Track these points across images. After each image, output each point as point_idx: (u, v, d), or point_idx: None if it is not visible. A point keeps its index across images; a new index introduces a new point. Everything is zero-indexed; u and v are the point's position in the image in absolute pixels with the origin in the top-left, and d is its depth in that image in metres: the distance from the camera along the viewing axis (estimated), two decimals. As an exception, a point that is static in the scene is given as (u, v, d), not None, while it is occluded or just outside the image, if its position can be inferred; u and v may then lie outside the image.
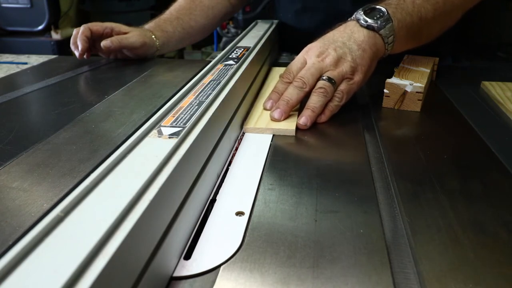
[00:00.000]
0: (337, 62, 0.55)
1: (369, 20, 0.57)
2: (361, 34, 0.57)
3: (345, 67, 0.55)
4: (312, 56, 0.56)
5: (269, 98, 0.56)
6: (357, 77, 0.55)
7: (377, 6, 0.58)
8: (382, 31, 0.57)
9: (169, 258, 0.28)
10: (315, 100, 0.53)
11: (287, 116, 0.53)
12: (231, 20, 2.10)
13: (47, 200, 0.35)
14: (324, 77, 0.54)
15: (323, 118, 0.54)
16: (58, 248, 0.20)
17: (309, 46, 0.58)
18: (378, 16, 0.57)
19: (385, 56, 0.60)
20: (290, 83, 0.55)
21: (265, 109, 0.56)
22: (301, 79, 0.54)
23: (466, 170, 0.42)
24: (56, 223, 0.22)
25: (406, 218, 0.34)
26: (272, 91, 0.57)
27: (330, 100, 0.54)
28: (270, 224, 0.33)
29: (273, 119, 0.52)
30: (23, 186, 0.37)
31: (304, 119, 0.52)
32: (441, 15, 0.63)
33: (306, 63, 0.56)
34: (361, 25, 0.57)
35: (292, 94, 0.54)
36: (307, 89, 0.54)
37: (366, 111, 0.58)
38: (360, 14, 0.58)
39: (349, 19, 0.60)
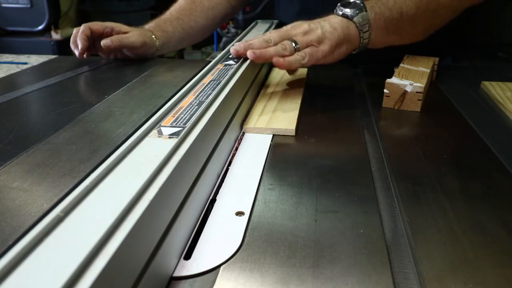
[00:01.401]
0: (307, 32, 0.60)
1: (344, 9, 0.63)
2: (336, 19, 0.62)
3: (312, 36, 0.60)
4: (288, 26, 0.62)
5: (238, 45, 0.60)
6: (323, 47, 0.60)
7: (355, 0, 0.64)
8: (355, 19, 0.62)
9: (169, 258, 0.28)
10: (270, 49, 0.58)
11: (239, 53, 0.59)
12: (231, 20, 2.10)
13: (47, 200, 0.35)
14: (289, 39, 0.60)
15: (281, 62, 0.58)
16: (58, 248, 0.20)
17: (294, 22, 0.64)
18: (352, 6, 0.63)
19: (365, 45, 0.65)
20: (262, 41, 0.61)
21: (231, 51, 0.61)
22: (268, 36, 0.60)
23: (466, 170, 0.42)
24: (56, 223, 0.22)
25: (406, 218, 0.34)
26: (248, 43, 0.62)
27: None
28: (270, 224, 0.33)
29: (232, 53, 0.60)
30: (23, 186, 0.37)
31: (251, 52, 0.57)
32: (425, 12, 0.66)
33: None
34: (337, 14, 0.63)
35: (255, 43, 0.59)
36: (270, 45, 0.59)
37: (366, 111, 0.58)
38: (337, 7, 0.64)
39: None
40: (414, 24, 0.67)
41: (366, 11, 0.62)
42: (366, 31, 0.63)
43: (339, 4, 0.64)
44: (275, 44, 0.59)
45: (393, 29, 0.65)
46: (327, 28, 0.61)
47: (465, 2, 0.69)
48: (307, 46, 0.60)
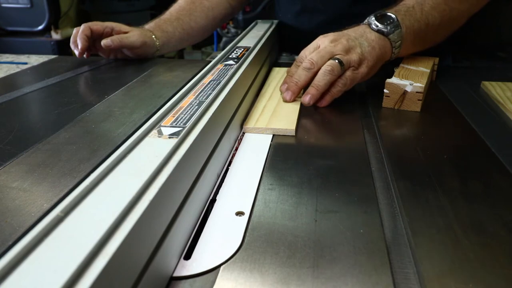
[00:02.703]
0: (348, 50, 0.57)
1: (380, 25, 0.60)
2: (372, 35, 0.60)
3: (353, 56, 0.57)
4: (325, 41, 0.59)
5: (284, 82, 0.60)
6: (362, 69, 0.58)
7: (388, 13, 0.62)
8: (391, 36, 0.60)
9: (169, 258, 0.28)
10: (320, 78, 0.55)
11: (296, 96, 0.57)
12: (231, 20, 2.10)
13: (47, 200, 0.35)
14: (334, 58, 0.56)
15: (324, 102, 0.57)
16: (58, 248, 0.20)
17: (324, 35, 0.61)
18: (388, 22, 0.61)
19: (392, 60, 0.63)
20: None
21: (281, 91, 0.59)
22: (309, 60, 0.57)
23: (466, 170, 0.42)
24: (56, 223, 0.22)
25: (406, 218, 0.34)
26: (287, 75, 0.60)
27: (333, 85, 0.56)
28: (270, 224, 0.33)
29: (284, 100, 0.57)
30: (23, 186, 0.37)
31: (308, 98, 0.56)
32: (448, 21, 0.66)
33: (318, 48, 0.59)
34: (372, 29, 0.61)
35: (300, 75, 0.57)
36: (315, 70, 0.56)
37: (366, 111, 0.58)
38: (371, 19, 0.61)
39: (360, 24, 0.63)
40: (437, 33, 0.67)
41: (401, 28, 0.61)
42: (398, 48, 0.62)
43: (372, 16, 0.61)
44: (319, 69, 0.56)
45: (419, 40, 0.65)
46: (366, 48, 0.59)
47: (479, 4, 0.70)
48: (348, 67, 0.57)
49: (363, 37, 0.60)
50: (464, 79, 0.72)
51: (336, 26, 0.64)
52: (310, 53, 0.58)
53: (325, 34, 0.61)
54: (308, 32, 0.91)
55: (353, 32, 0.61)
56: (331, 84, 0.56)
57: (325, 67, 0.55)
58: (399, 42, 0.62)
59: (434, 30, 0.65)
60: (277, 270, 0.28)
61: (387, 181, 0.40)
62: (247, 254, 0.30)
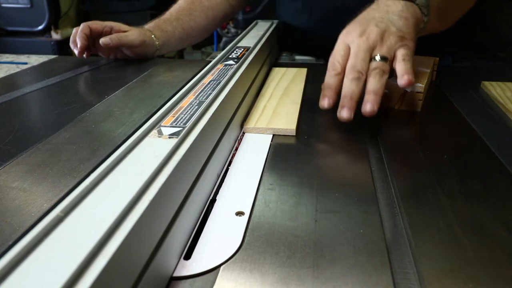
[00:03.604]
0: (383, 36, 0.52)
1: None
2: (398, 5, 0.54)
3: (392, 39, 0.51)
4: (354, 39, 0.52)
5: (323, 96, 0.52)
6: (409, 44, 0.52)
7: None
8: (418, 0, 0.55)
9: (169, 258, 0.28)
10: (373, 82, 0.49)
11: (354, 112, 0.50)
12: (231, 20, 2.10)
13: (47, 200, 0.35)
14: (376, 58, 0.51)
15: (410, 80, 0.49)
16: (58, 248, 0.20)
17: (346, 29, 0.55)
18: None
19: (422, 32, 0.57)
20: (339, 74, 0.52)
21: (322, 108, 0.52)
22: (354, 69, 0.50)
23: (466, 170, 0.42)
24: (56, 223, 0.22)
25: (406, 218, 0.34)
26: (325, 87, 0.52)
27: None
28: (270, 224, 0.33)
29: (343, 120, 0.49)
30: (23, 186, 0.37)
31: (370, 105, 0.48)
32: None
33: (349, 49, 0.52)
34: None
35: (352, 88, 0.49)
36: (364, 77, 0.50)
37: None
38: None
39: None
40: (454, 10, 0.63)
41: None
42: (427, 15, 0.56)
43: None
44: (367, 73, 0.50)
45: (441, 14, 0.60)
46: (399, 22, 0.52)
47: None
48: (394, 53, 0.51)
49: (390, 12, 0.54)
50: (464, 79, 0.72)
51: (337, 21, 0.59)
52: (343, 58, 0.52)
53: (347, 29, 0.54)
54: (308, 30, 0.92)
55: (376, 12, 0.55)
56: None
57: (374, 72, 0.50)
58: (427, 8, 0.55)
59: (455, 4, 0.62)
60: (277, 270, 0.28)
61: (387, 181, 0.40)
62: (247, 254, 0.30)
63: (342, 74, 0.51)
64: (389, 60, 0.51)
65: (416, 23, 0.54)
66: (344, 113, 0.49)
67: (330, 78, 0.52)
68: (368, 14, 0.55)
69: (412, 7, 0.54)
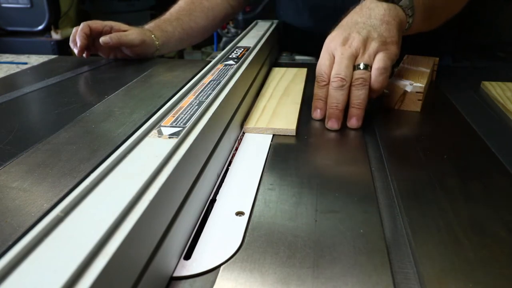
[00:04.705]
0: (365, 43, 0.52)
1: None
2: (380, 9, 0.54)
3: (373, 46, 0.52)
4: (337, 47, 0.53)
5: (314, 107, 0.54)
6: (391, 49, 0.53)
7: None
8: (402, 2, 0.55)
9: (169, 258, 0.28)
10: (356, 95, 0.51)
11: (342, 120, 0.52)
12: (231, 20, 2.10)
13: (47, 200, 0.35)
14: (360, 66, 0.51)
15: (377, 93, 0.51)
16: (58, 248, 0.20)
17: (329, 37, 0.55)
18: None
19: (406, 31, 0.57)
20: (327, 84, 0.53)
21: (314, 118, 0.54)
22: (338, 77, 0.51)
23: (466, 170, 0.42)
24: (56, 223, 0.22)
25: (406, 218, 0.34)
26: (314, 99, 0.54)
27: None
28: (270, 224, 0.33)
29: (332, 129, 0.51)
30: (23, 186, 0.37)
31: (355, 120, 0.51)
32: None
33: (334, 57, 0.53)
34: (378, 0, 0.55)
35: (337, 97, 0.51)
36: (348, 84, 0.51)
37: (366, 111, 0.58)
38: None
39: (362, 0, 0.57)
40: (442, 10, 0.63)
41: None
42: (411, 16, 0.56)
43: None
44: (351, 80, 0.51)
45: (427, 15, 0.60)
46: (380, 27, 0.53)
47: None
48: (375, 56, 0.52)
49: (372, 17, 0.54)
50: (464, 79, 0.72)
51: (337, 21, 0.59)
52: (328, 67, 0.53)
53: (330, 36, 0.55)
54: (309, 29, 0.92)
55: (359, 16, 0.55)
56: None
57: (356, 83, 0.51)
58: (411, 9, 0.55)
59: (442, 4, 0.61)
60: (277, 270, 0.28)
61: (387, 181, 0.40)
62: (247, 254, 0.30)
63: (329, 84, 0.53)
64: (370, 67, 0.52)
65: (399, 25, 0.54)
66: (332, 124, 0.51)
67: (318, 89, 0.54)
68: (351, 18, 0.56)
69: (395, 9, 0.55)
